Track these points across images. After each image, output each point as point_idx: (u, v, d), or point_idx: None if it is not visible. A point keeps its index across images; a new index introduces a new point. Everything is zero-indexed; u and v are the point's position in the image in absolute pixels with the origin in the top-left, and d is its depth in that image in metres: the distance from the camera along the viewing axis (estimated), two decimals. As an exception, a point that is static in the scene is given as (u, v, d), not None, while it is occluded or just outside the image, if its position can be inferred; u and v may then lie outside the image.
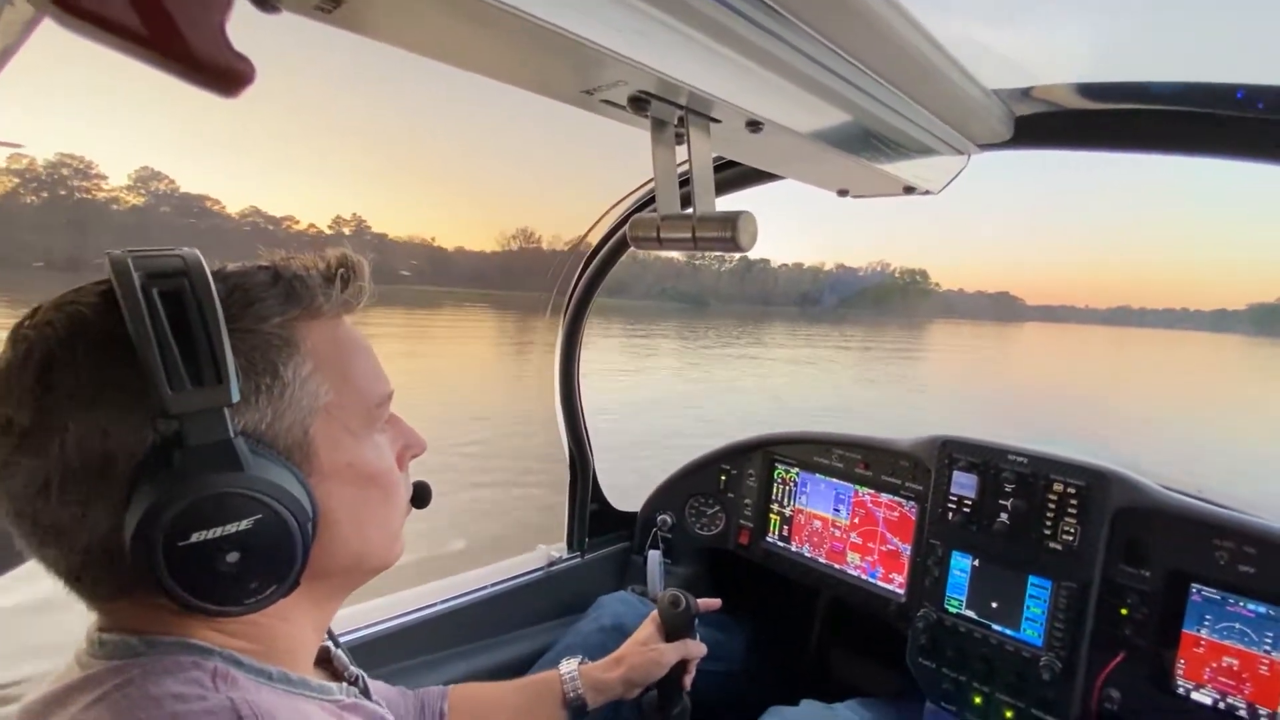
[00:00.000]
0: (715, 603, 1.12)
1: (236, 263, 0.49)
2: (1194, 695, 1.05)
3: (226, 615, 0.44)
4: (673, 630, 1.02)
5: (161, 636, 0.45)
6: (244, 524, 0.42)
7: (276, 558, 0.44)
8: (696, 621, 1.04)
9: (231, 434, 0.42)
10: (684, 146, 0.60)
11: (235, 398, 0.42)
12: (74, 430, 0.40)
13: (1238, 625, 1.02)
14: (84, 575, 0.44)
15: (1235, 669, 1.02)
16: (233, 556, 0.42)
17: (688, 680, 1.05)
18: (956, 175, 0.94)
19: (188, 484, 0.40)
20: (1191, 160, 0.81)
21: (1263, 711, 1.00)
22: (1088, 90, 0.80)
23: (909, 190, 0.91)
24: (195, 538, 0.41)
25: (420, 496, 0.62)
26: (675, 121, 0.59)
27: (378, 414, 0.54)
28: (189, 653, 0.45)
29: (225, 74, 0.29)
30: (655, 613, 1.05)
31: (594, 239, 1.46)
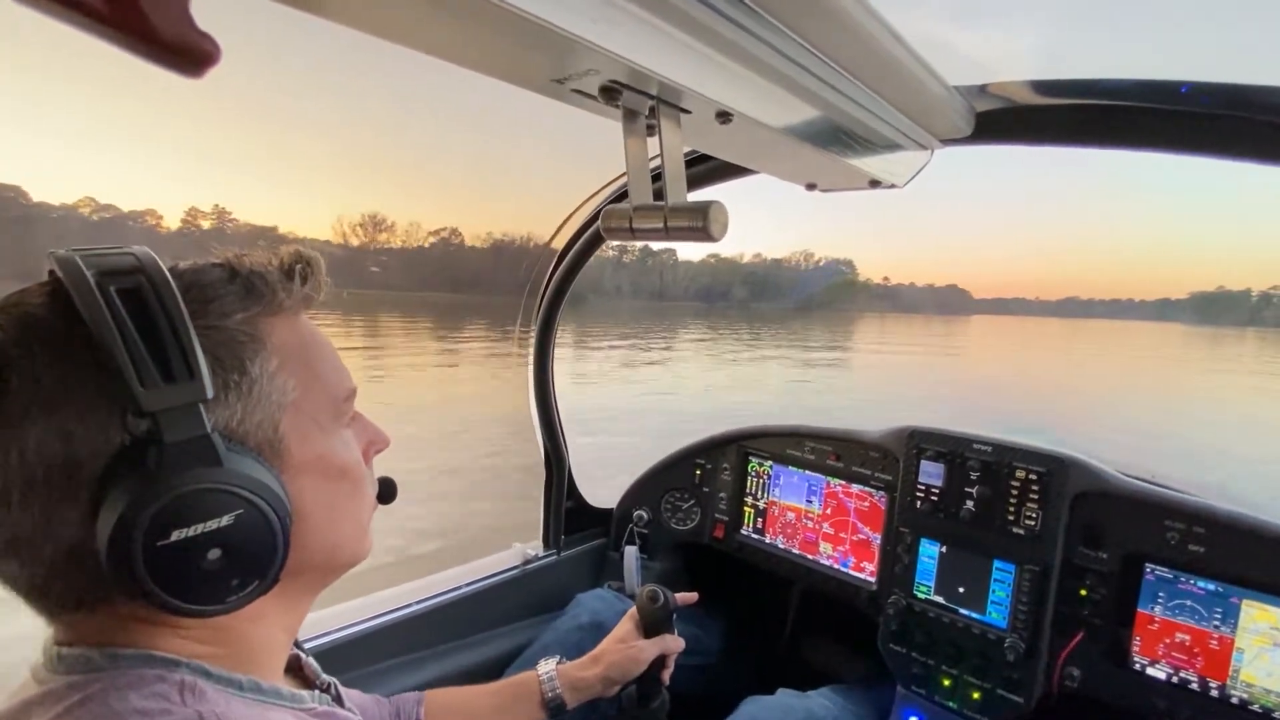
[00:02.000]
0: (693, 597, 1.13)
1: (187, 261, 0.48)
2: (1149, 670, 1.10)
3: (206, 616, 0.43)
4: (651, 626, 1.03)
5: (124, 649, 0.43)
6: (225, 520, 0.41)
7: (258, 554, 0.44)
8: (675, 616, 1.05)
9: (208, 429, 0.41)
10: (655, 139, 0.60)
11: (209, 393, 0.42)
12: (34, 435, 0.38)
13: (1189, 603, 1.07)
14: (49, 587, 0.42)
15: (1187, 644, 1.07)
16: (214, 554, 0.41)
17: (666, 675, 1.05)
18: (920, 170, 0.97)
19: (166, 481, 0.39)
20: (1135, 155, 0.85)
21: (1213, 684, 1.04)
22: (1041, 87, 0.83)
23: (875, 184, 0.93)
24: (175, 536, 0.40)
25: (386, 492, 0.62)
26: (646, 112, 0.59)
27: (344, 409, 0.54)
28: (153, 665, 0.43)
29: (189, 53, 0.29)
30: (633, 609, 1.05)
31: (562, 239, 1.46)
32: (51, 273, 0.44)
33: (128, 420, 0.40)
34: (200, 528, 0.41)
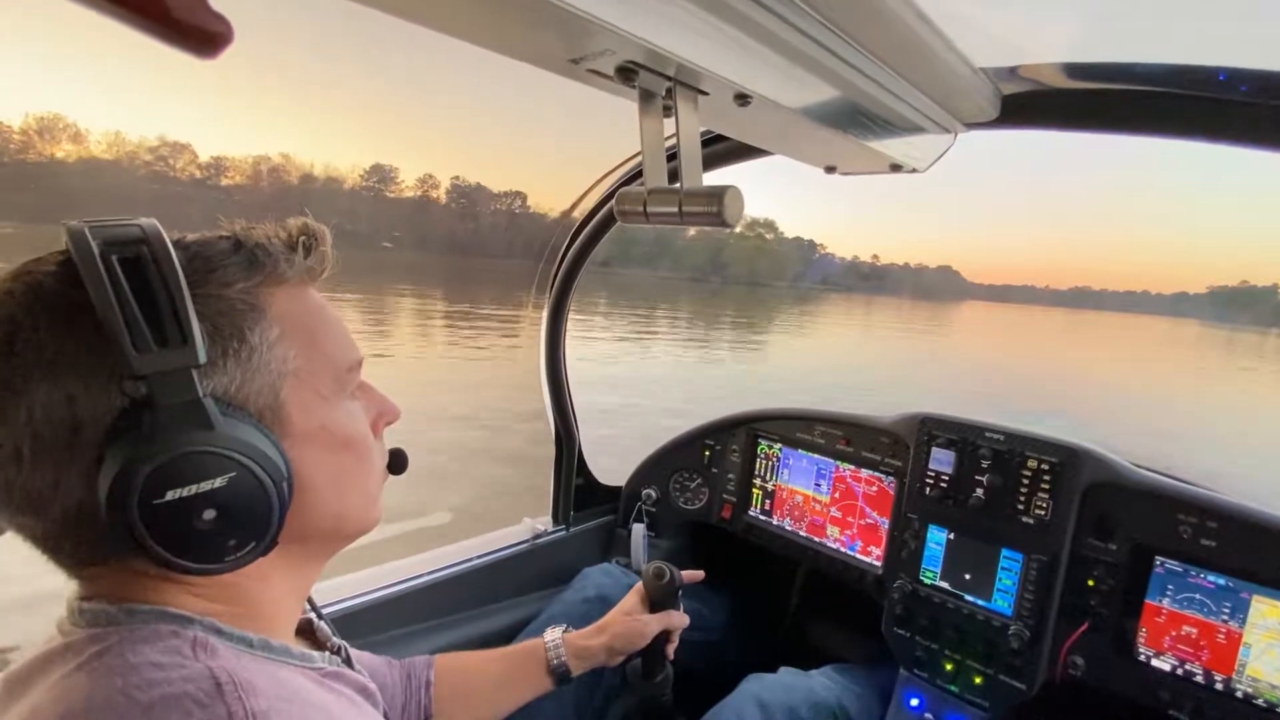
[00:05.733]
0: (698, 574, 1.14)
1: (196, 233, 0.49)
2: (1154, 662, 1.10)
3: (206, 574, 0.45)
4: (657, 601, 1.04)
5: (139, 604, 0.45)
6: (218, 482, 0.43)
7: (253, 516, 0.45)
8: (680, 593, 1.06)
9: (200, 394, 0.43)
10: (672, 120, 0.59)
11: (202, 358, 0.43)
12: (40, 398, 0.40)
13: (1198, 596, 1.06)
14: (62, 542, 0.44)
15: (1194, 637, 1.07)
16: (209, 514, 0.43)
17: (671, 649, 1.07)
18: (943, 154, 0.94)
19: (159, 443, 0.41)
20: (1159, 141, 0.82)
21: (1218, 677, 1.04)
22: (1074, 70, 0.80)
23: (896, 168, 0.91)
24: (170, 495, 0.41)
25: (396, 463, 0.63)
26: (663, 93, 0.58)
27: (348, 379, 0.55)
28: (168, 621, 0.45)
29: (203, 35, 0.29)
30: (639, 584, 1.07)
31: (579, 212, 1.45)
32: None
33: (124, 384, 0.41)
34: (195, 488, 0.42)
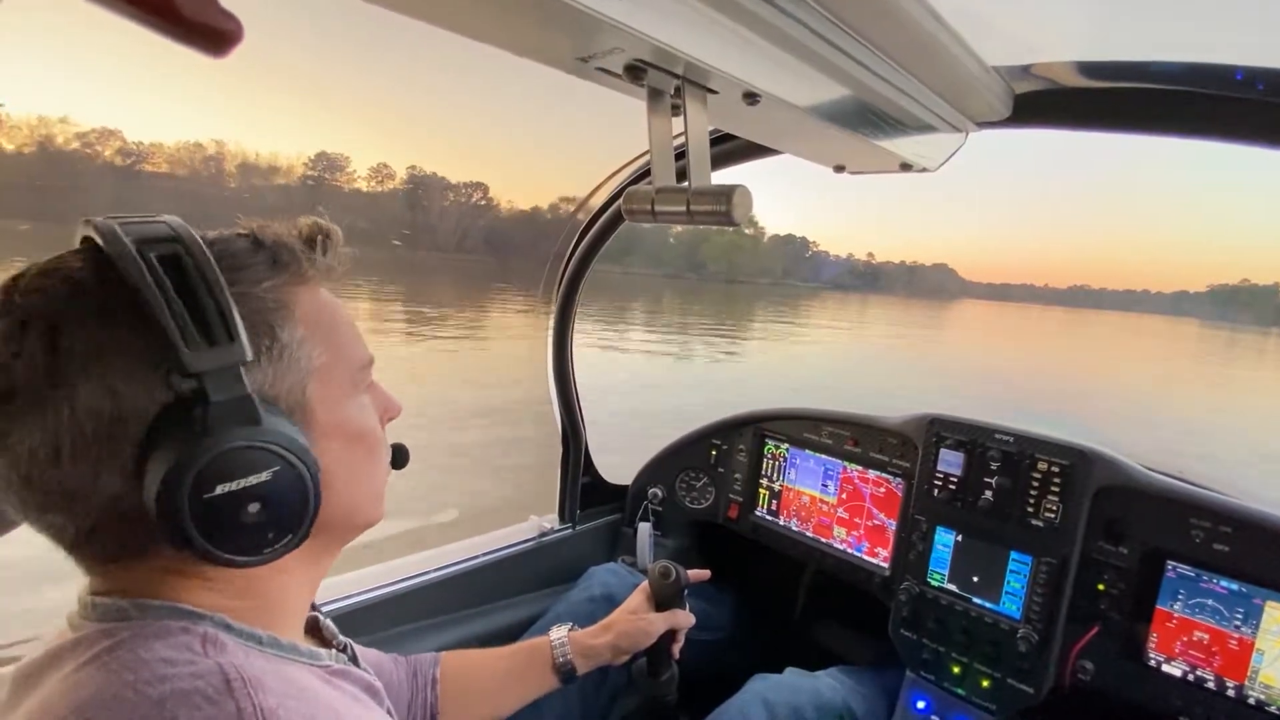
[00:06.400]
0: (704, 574, 1.14)
1: (214, 231, 0.49)
2: (1164, 668, 1.09)
3: (244, 567, 0.46)
4: (662, 600, 1.04)
5: (151, 600, 0.46)
6: (264, 476, 0.44)
7: (292, 509, 0.46)
8: (686, 592, 1.06)
9: (249, 390, 0.44)
10: (680, 118, 0.59)
11: (248, 355, 0.44)
12: (83, 393, 0.40)
13: (1210, 602, 1.05)
14: (92, 538, 0.44)
15: (1205, 643, 1.05)
16: (254, 508, 0.44)
17: (676, 649, 1.07)
18: (954, 153, 0.94)
19: (212, 438, 0.42)
20: (1161, 139, 0.81)
21: (1230, 683, 1.03)
22: (1088, 69, 0.79)
23: (906, 167, 0.90)
24: (220, 490, 0.42)
25: (398, 457, 0.64)
26: (672, 92, 0.58)
27: (361, 377, 0.56)
28: (179, 617, 0.45)
29: (213, 33, 0.29)
30: (645, 583, 1.07)
31: (588, 210, 1.45)
32: (85, 239, 0.46)
33: (172, 380, 0.42)
34: (242, 482, 0.43)
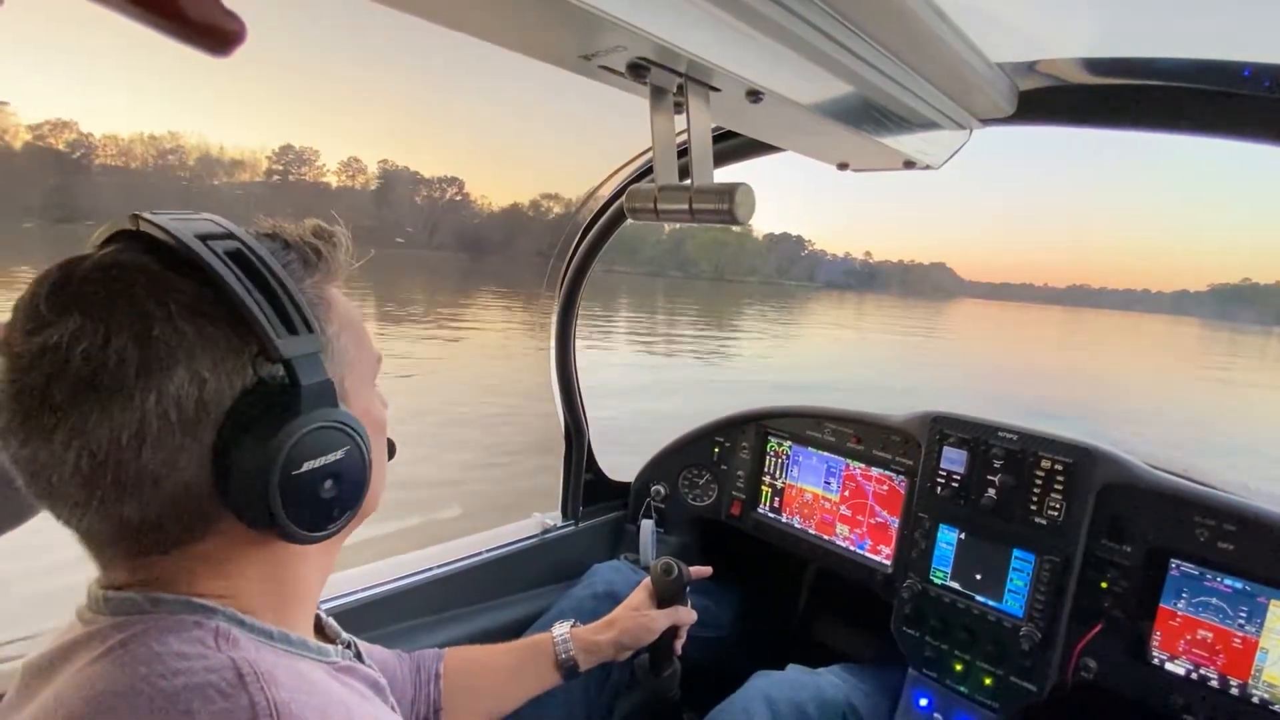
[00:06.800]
0: (707, 570, 1.14)
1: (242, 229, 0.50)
2: (1168, 666, 1.08)
3: (313, 542, 0.48)
4: (665, 597, 1.04)
5: (166, 594, 0.46)
6: (339, 454, 0.48)
7: (356, 485, 0.50)
8: (688, 589, 1.07)
9: (328, 374, 0.47)
10: (683, 116, 0.59)
11: (323, 343, 0.47)
12: (174, 381, 0.41)
13: (1214, 600, 1.05)
14: (154, 526, 0.44)
15: (1209, 641, 1.05)
16: (329, 484, 0.47)
17: (678, 645, 1.07)
18: (957, 150, 0.93)
19: (303, 419, 0.45)
20: (1163, 136, 0.81)
21: (1234, 682, 1.03)
22: (1093, 65, 0.79)
23: (909, 165, 0.90)
24: (306, 467, 0.46)
25: (389, 450, 0.66)
26: (675, 90, 0.58)
27: (376, 370, 0.59)
28: (192, 612, 0.45)
29: (217, 33, 0.29)
30: (648, 580, 1.07)
31: (590, 209, 1.45)
32: (125, 233, 0.46)
33: (257, 365, 0.44)
34: (323, 460, 0.47)
